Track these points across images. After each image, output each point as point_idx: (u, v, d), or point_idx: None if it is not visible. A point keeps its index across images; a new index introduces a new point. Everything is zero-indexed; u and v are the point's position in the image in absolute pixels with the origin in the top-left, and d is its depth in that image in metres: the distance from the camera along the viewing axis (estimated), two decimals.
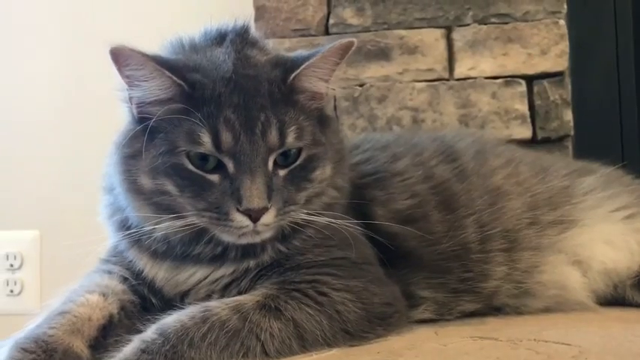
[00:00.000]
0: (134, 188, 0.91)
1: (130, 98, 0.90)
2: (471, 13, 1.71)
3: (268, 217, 0.87)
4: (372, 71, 1.74)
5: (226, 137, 0.85)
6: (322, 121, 0.97)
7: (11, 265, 2.13)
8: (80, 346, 0.84)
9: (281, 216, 0.88)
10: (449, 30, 1.73)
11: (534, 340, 0.88)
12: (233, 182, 0.86)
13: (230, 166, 0.86)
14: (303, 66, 0.90)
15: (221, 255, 0.93)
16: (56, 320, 0.86)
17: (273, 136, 0.87)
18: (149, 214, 0.91)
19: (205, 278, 0.94)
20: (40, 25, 2.13)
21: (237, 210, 0.85)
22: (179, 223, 0.88)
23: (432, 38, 1.73)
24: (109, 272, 1.00)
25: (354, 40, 0.92)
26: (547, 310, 1.06)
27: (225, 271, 0.93)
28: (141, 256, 0.97)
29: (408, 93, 1.72)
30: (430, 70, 1.72)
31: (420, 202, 1.06)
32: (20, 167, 2.13)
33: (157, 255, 0.96)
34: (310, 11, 1.77)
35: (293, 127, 0.88)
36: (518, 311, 1.06)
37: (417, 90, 1.72)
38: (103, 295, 0.94)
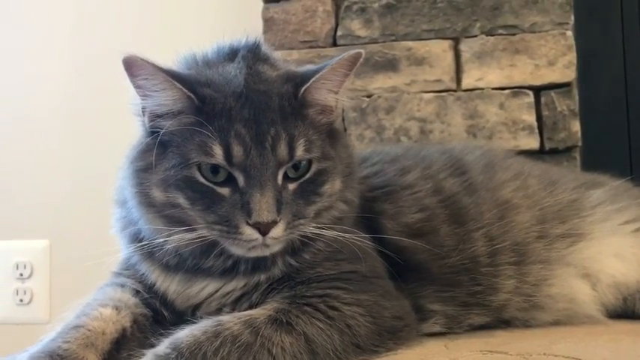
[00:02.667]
0: (146, 201, 0.92)
1: (143, 110, 0.92)
2: (478, 25, 1.72)
3: (277, 231, 0.87)
4: (380, 82, 1.75)
5: (237, 151, 0.86)
6: (332, 135, 0.98)
7: (21, 275, 2.15)
8: (94, 359, 0.85)
9: (290, 229, 0.89)
10: (456, 41, 1.74)
11: (544, 354, 0.88)
12: (243, 196, 0.86)
13: (240, 179, 0.87)
14: (312, 79, 0.91)
15: (232, 268, 0.94)
16: (70, 334, 0.87)
17: (282, 149, 0.88)
18: (161, 226, 0.92)
19: (216, 292, 0.95)
20: (52, 35, 2.15)
21: (247, 223, 0.86)
22: (190, 235, 0.89)
23: (439, 49, 1.74)
24: (122, 285, 1.01)
25: (362, 51, 0.93)
26: (556, 323, 1.06)
27: (236, 284, 0.94)
28: (153, 269, 0.98)
29: (415, 104, 1.73)
30: (438, 81, 1.73)
31: (429, 215, 1.07)
32: (30, 177, 2.15)
33: (168, 268, 0.97)
34: (318, 23, 1.78)
35: (302, 140, 0.89)
36: (527, 324, 1.06)
37: (424, 101, 1.73)
38: (116, 309, 0.94)
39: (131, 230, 0.99)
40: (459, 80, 1.73)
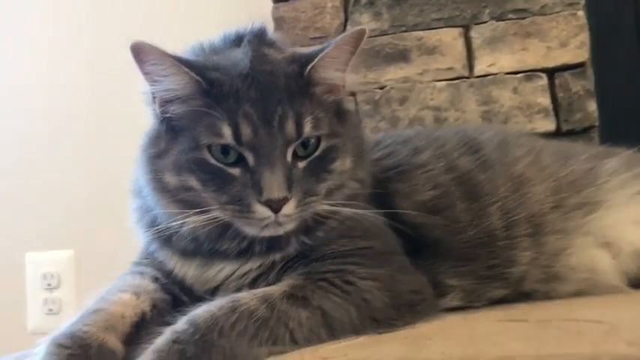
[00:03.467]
0: (160, 187, 0.94)
1: (153, 97, 0.93)
2: (487, 11, 1.72)
3: (289, 208, 0.88)
4: (392, 74, 1.75)
5: (246, 130, 0.87)
6: (340, 114, 0.98)
7: (49, 285, 2.18)
8: (114, 341, 0.87)
9: (302, 207, 0.90)
10: (466, 28, 1.73)
11: (564, 319, 0.87)
12: (253, 175, 0.87)
13: (250, 159, 0.88)
14: (317, 57, 0.92)
15: (247, 250, 0.95)
16: (90, 318, 0.88)
17: (290, 127, 0.89)
18: (175, 210, 0.93)
19: (233, 273, 0.95)
20: (73, 47, 2.20)
21: (259, 201, 0.87)
22: (203, 217, 0.90)
23: (449, 37, 1.74)
24: (141, 273, 1.02)
25: (366, 28, 0.94)
26: (578, 294, 1.04)
27: (252, 265, 0.95)
28: (171, 255, 1.00)
29: (429, 93, 1.73)
30: (450, 69, 1.73)
31: (443, 192, 1.07)
32: (53, 188, 2.19)
33: (186, 253, 0.98)
34: (328, 19, 1.80)
35: (309, 118, 0.90)
36: (548, 296, 1.05)
37: (437, 89, 1.73)
38: (136, 294, 0.96)
39: (147, 218, 1.01)
40: (471, 67, 1.73)
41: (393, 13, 1.76)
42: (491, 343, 0.80)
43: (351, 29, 0.94)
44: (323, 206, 0.93)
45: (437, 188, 1.07)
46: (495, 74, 1.71)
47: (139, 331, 0.92)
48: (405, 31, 1.76)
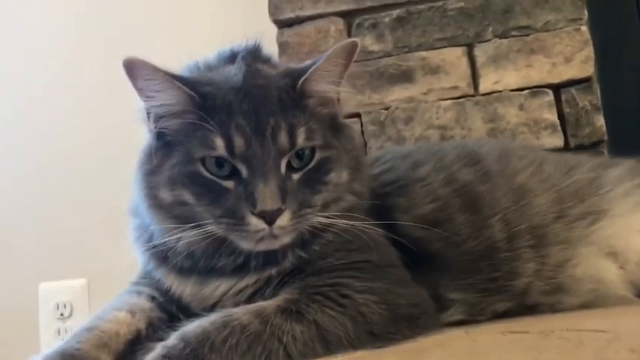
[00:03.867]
0: (155, 203, 0.94)
1: (148, 114, 0.94)
2: (490, 29, 1.72)
3: (283, 220, 0.87)
4: (397, 94, 1.75)
5: (238, 142, 0.87)
6: (335, 127, 0.98)
7: (61, 315, 2.18)
8: (107, 359, 0.86)
9: (297, 219, 0.89)
10: (470, 47, 1.73)
11: (567, 329, 0.84)
12: (247, 187, 0.87)
13: (243, 171, 0.88)
14: (310, 70, 0.92)
15: (243, 265, 0.94)
16: (84, 335, 0.88)
17: (283, 138, 0.88)
18: (171, 226, 0.93)
19: (229, 290, 0.94)
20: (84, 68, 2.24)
21: (252, 213, 0.86)
22: (198, 231, 0.90)
23: (453, 57, 1.74)
24: (138, 292, 1.02)
25: (357, 40, 0.94)
26: (585, 306, 1.01)
27: (248, 281, 0.94)
28: (168, 274, 0.99)
29: (434, 112, 1.72)
30: (454, 87, 1.73)
31: (442, 205, 1.05)
32: (65, 218, 2.20)
33: (183, 271, 0.98)
34: (331, 43, 1.80)
35: (303, 129, 0.90)
36: (553, 309, 1.02)
37: (442, 108, 1.72)
38: (131, 313, 0.95)
39: (145, 237, 1.01)
40: (476, 85, 1.72)
41: (396, 34, 1.77)
42: (491, 355, 0.78)
43: (342, 42, 0.94)
44: (319, 219, 0.92)
45: (436, 201, 1.05)
46: (500, 91, 1.70)
47: (134, 349, 0.91)
48: (408, 52, 1.76)
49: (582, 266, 1.02)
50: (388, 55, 1.77)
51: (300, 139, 0.90)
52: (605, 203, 1.06)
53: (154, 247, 0.95)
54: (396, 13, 1.77)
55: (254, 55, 1.00)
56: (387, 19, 1.77)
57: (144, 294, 1.01)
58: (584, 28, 1.67)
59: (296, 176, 0.91)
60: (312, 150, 0.92)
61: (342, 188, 0.97)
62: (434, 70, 1.74)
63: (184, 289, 0.98)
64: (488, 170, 1.09)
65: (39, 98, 2.27)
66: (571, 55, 1.67)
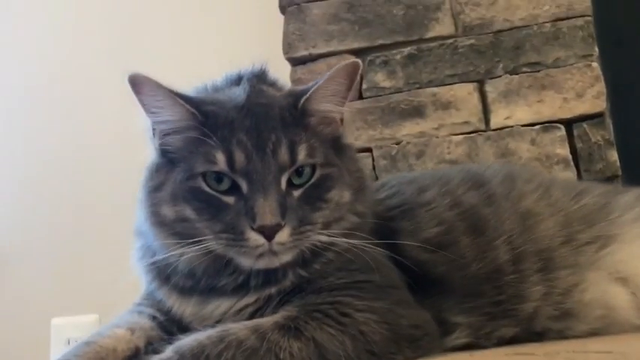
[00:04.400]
0: (158, 221, 0.94)
1: (153, 132, 0.95)
2: (501, 65, 1.73)
3: (283, 236, 0.87)
4: (408, 129, 1.76)
5: (239, 157, 0.88)
6: (338, 147, 0.99)
7: None
8: None
9: (296, 236, 0.89)
10: (481, 83, 1.75)
11: (573, 351, 0.82)
12: (247, 202, 0.87)
13: (244, 186, 0.88)
14: (312, 89, 0.94)
15: (243, 284, 0.93)
16: (81, 349, 0.87)
17: (283, 154, 0.89)
18: (172, 244, 0.93)
19: (230, 309, 0.93)
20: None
21: (252, 228, 0.86)
22: (197, 247, 0.89)
23: (464, 92, 1.75)
24: (140, 312, 1.01)
25: (359, 61, 0.95)
26: (594, 333, 0.98)
27: (248, 300, 0.93)
28: (170, 294, 0.99)
29: (445, 147, 1.73)
30: (466, 123, 1.73)
31: (447, 228, 1.04)
32: (78, 256, 2.22)
33: (184, 291, 0.97)
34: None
35: (304, 146, 0.91)
36: (562, 335, 0.99)
37: (454, 143, 1.72)
38: (130, 330, 0.95)
39: (148, 257, 1.01)
40: (487, 120, 1.73)
41: (407, 71, 1.79)
42: None
43: (344, 62, 0.95)
44: (320, 237, 0.92)
45: (441, 225, 1.04)
46: (512, 127, 1.70)
47: None
48: (419, 88, 1.78)
49: (591, 291, 0.99)
50: (399, 91, 1.79)
51: (301, 156, 0.90)
52: (615, 228, 1.04)
53: (155, 263, 0.95)
54: (407, 50, 1.80)
55: (259, 77, 1.02)
56: (398, 56, 1.80)
57: (145, 313, 1.00)
58: (594, 64, 1.68)
59: (296, 193, 0.91)
60: (313, 167, 0.92)
61: (344, 208, 0.96)
62: (445, 106, 1.75)
63: (185, 309, 0.97)
64: (493, 193, 1.08)
65: (62, 135, 2.32)
66: (582, 90, 1.67)
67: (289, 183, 0.91)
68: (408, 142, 1.75)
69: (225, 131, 0.90)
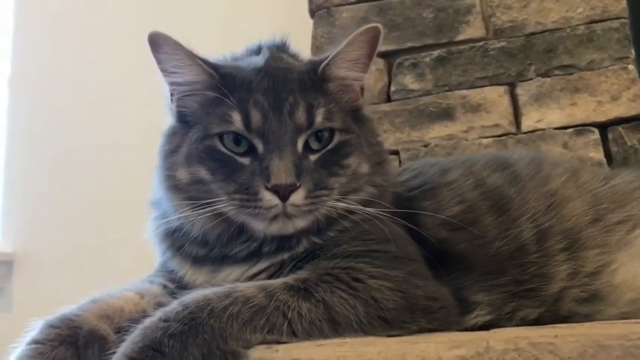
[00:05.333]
0: (173, 185, 0.93)
1: (171, 96, 0.95)
2: (533, 68, 1.70)
3: (297, 197, 0.85)
4: (436, 132, 1.73)
5: (255, 117, 0.87)
6: (358, 117, 0.97)
7: None
8: (107, 329, 0.83)
9: (312, 199, 0.86)
10: (512, 86, 1.71)
11: None
12: (262, 162, 0.86)
13: (259, 146, 0.87)
14: (332, 54, 0.93)
15: (256, 251, 0.91)
16: (87, 305, 0.86)
17: (300, 115, 0.88)
18: (186, 209, 0.91)
19: (242, 276, 0.91)
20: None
21: (266, 188, 0.85)
22: (210, 209, 0.88)
23: (495, 95, 1.72)
24: (151, 281, 1.00)
25: (379, 25, 0.94)
26: (625, 317, 0.92)
27: (260, 266, 0.90)
28: (183, 263, 0.97)
29: (474, 150, 1.68)
30: (496, 125, 1.70)
31: (469, 207, 1.00)
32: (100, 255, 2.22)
33: (197, 260, 0.96)
34: (372, 81, 1.82)
35: (322, 109, 0.89)
36: (590, 320, 0.93)
37: (483, 146, 1.68)
38: (140, 294, 0.93)
39: (163, 227, 1.00)
40: (518, 124, 1.69)
41: (437, 73, 1.77)
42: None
43: (364, 27, 0.94)
44: (336, 203, 0.89)
45: (463, 203, 1.01)
46: (544, 129, 1.65)
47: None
48: (448, 91, 1.75)
49: (622, 273, 0.94)
50: (428, 93, 1.77)
51: (319, 119, 0.89)
52: None
53: (169, 225, 0.93)
54: (436, 53, 1.78)
55: (280, 48, 1.01)
56: (427, 59, 1.79)
57: (156, 282, 0.98)
58: (631, 66, 1.63)
59: (313, 157, 0.89)
60: (332, 132, 0.91)
61: (362, 179, 0.94)
62: (474, 109, 1.72)
63: (197, 277, 0.95)
64: (519, 174, 1.04)
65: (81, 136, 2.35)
66: (618, 93, 1.62)
67: (307, 147, 0.89)
68: (436, 145, 1.72)
69: (242, 92, 0.89)
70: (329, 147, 0.90)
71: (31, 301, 2.23)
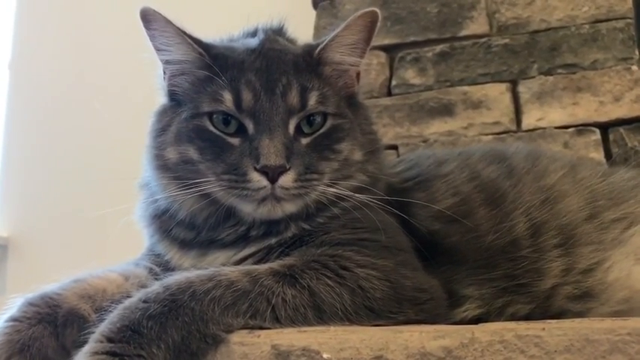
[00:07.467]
0: (161, 164, 0.91)
1: (164, 74, 0.93)
2: (535, 66, 1.69)
3: (286, 179, 0.83)
4: (436, 127, 1.72)
5: (247, 96, 0.85)
6: (352, 103, 0.95)
7: None
8: (88, 309, 0.81)
9: (301, 182, 0.85)
10: (514, 83, 1.70)
11: None
12: (252, 142, 0.84)
13: (250, 126, 0.85)
14: (328, 38, 0.91)
15: (244, 236, 0.90)
16: (68, 284, 0.84)
17: (293, 97, 0.86)
18: (174, 189, 0.90)
19: (229, 260, 0.89)
20: None
21: (255, 169, 0.83)
22: (197, 189, 0.86)
23: (496, 92, 1.70)
24: (136, 264, 0.98)
25: (377, 10, 0.92)
26: (617, 315, 0.90)
27: (247, 251, 0.89)
28: (170, 247, 0.95)
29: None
30: (496, 123, 1.68)
31: (463, 199, 0.98)
32: (99, 242, 2.21)
33: (184, 244, 0.94)
34: (373, 75, 1.81)
35: (315, 92, 0.88)
36: (582, 317, 0.91)
37: (483, 143, 1.67)
38: (124, 276, 0.91)
39: (151, 210, 0.98)
40: (518, 121, 1.67)
41: (439, 68, 1.76)
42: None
43: (362, 11, 0.92)
44: (327, 188, 0.87)
45: (456, 196, 0.99)
46: (544, 128, 1.64)
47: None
48: (450, 86, 1.74)
49: (615, 271, 0.92)
50: (429, 88, 1.76)
51: (312, 101, 0.87)
52: None
53: (156, 203, 0.92)
54: (439, 48, 1.77)
55: (276, 31, 1.00)
56: (429, 54, 1.77)
57: (142, 265, 0.97)
58: (634, 67, 1.61)
59: (305, 140, 0.87)
60: (324, 116, 0.89)
61: (354, 166, 0.92)
62: (475, 105, 1.71)
63: (184, 261, 0.93)
64: (514, 167, 1.02)
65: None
66: (620, 94, 1.60)
67: (299, 130, 0.87)
68: (435, 141, 1.70)
69: (234, 71, 0.87)
70: (321, 131, 0.88)
71: (25, 284, 2.22)
